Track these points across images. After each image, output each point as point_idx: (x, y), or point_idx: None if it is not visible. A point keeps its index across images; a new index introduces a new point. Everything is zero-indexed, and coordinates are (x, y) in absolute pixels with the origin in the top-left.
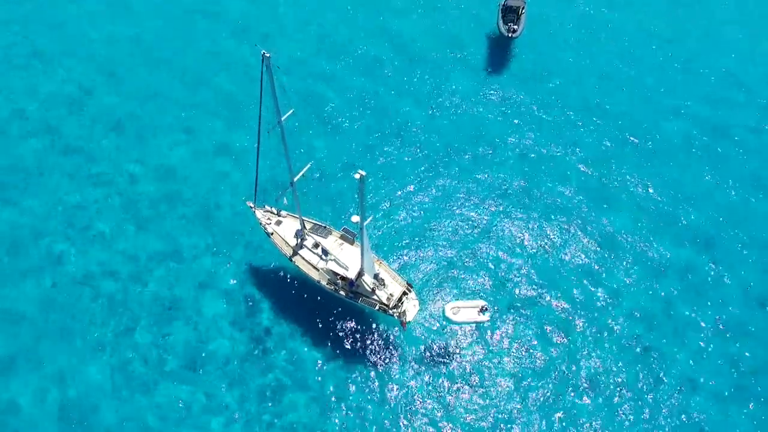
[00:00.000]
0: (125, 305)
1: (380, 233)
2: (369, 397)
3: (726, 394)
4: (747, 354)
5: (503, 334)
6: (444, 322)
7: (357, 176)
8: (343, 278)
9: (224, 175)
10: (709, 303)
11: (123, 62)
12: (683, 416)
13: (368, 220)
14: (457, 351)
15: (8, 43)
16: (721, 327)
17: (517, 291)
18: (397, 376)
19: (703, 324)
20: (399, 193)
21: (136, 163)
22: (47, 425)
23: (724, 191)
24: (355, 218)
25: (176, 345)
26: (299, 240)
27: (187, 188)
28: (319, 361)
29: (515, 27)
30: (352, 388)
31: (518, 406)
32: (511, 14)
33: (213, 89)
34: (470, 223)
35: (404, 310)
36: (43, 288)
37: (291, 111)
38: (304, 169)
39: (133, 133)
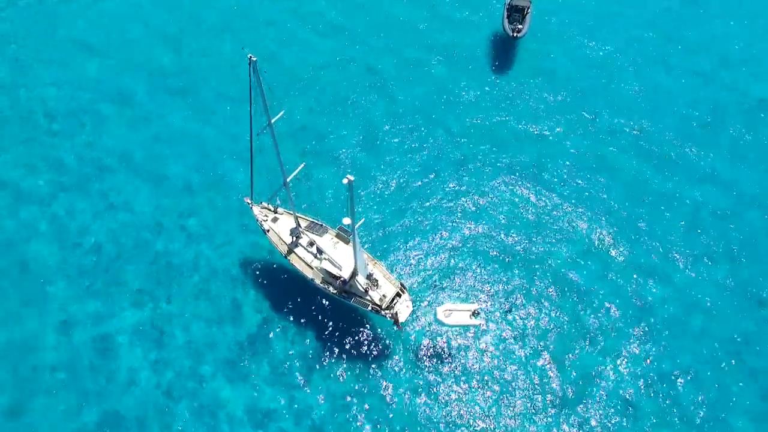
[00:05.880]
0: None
1: (374, 233)
2: (359, 396)
3: None
4: None
5: (495, 338)
6: (436, 324)
7: (345, 181)
8: (336, 277)
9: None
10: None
11: None
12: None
13: (360, 222)
14: (448, 353)
15: None
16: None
17: (511, 295)
18: (387, 377)
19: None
20: (395, 193)
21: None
22: None
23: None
24: (347, 220)
25: (170, 338)
26: (295, 238)
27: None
28: (310, 360)
29: (520, 27)
30: (342, 387)
31: (508, 410)
32: (516, 14)
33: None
34: (468, 224)
35: (397, 312)
36: None
37: (282, 113)
38: (297, 170)
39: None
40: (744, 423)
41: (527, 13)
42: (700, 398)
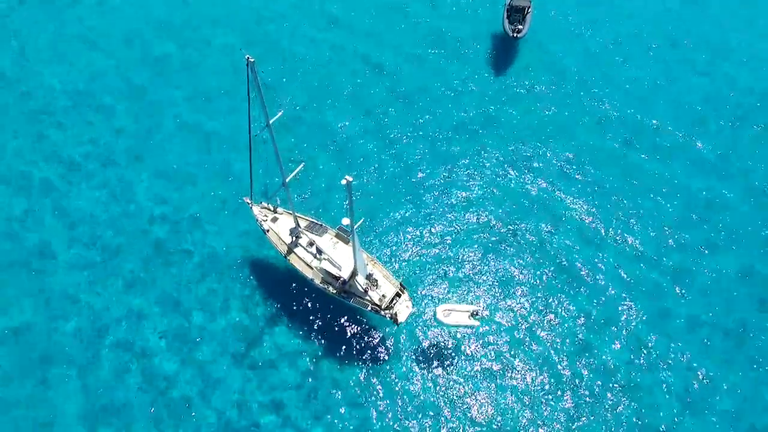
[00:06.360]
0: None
1: (374, 232)
2: (358, 397)
3: None
4: None
5: (495, 338)
6: (435, 324)
7: (344, 182)
8: (336, 277)
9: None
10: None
11: None
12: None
13: (359, 222)
14: (448, 353)
15: None
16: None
17: (511, 297)
18: (386, 377)
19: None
20: (396, 191)
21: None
22: None
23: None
24: (346, 221)
25: (167, 338)
26: (294, 238)
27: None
28: (309, 359)
29: (520, 27)
30: (341, 387)
31: (508, 409)
32: (516, 14)
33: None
34: (468, 225)
35: (396, 312)
36: None
37: (280, 113)
38: (297, 170)
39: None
40: (744, 413)
41: (527, 13)
42: (702, 386)
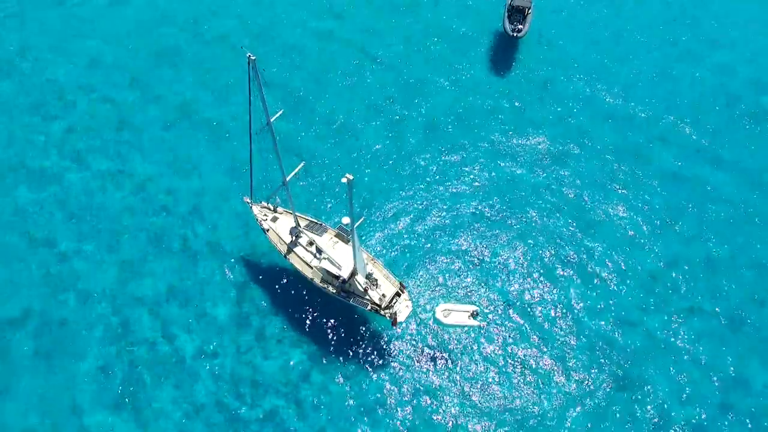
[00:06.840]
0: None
1: (375, 233)
2: (357, 396)
3: None
4: None
5: (494, 337)
6: (435, 324)
7: (345, 180)
8: (336, 277)
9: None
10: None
11: None
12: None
13: (360, 221)
14: (447, 353)
15: None
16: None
17: (512, 296)
18: (386, 376)
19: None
20: (395, 192)
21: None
22: None
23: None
24: (346, 220)
25: (168, 337)
26: (294, 237)
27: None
28: (308, 359)
29: (521, 27)
30: (341, 387)
31: (507, 409)
32: (517, 14)
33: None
34: (470, 224)
35: (396, 311)
36: None
37: (280, 111)
38: (297, 169)
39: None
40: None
41: (528, 13)
42: (710, 373)
